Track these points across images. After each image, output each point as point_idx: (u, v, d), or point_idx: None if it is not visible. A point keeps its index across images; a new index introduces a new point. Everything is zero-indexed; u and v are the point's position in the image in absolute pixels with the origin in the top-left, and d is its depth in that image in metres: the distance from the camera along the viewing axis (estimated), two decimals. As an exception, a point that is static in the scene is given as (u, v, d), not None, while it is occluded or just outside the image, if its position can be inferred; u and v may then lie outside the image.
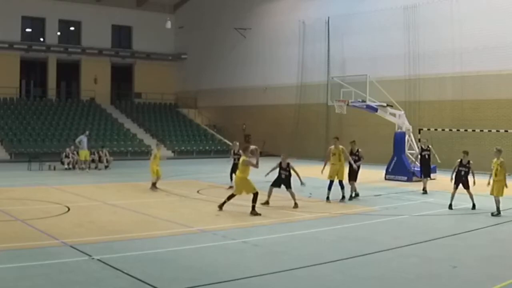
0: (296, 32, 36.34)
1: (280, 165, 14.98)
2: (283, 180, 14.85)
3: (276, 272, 8.24)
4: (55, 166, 25.34)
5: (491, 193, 13.65)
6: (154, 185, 18.21)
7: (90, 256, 8.77)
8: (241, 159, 13.79)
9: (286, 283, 7.84)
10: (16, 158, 31.08)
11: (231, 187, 17.34)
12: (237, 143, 19.57)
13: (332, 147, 16.24)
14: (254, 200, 13.25)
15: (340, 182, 15.94)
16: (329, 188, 15.73)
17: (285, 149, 35.87)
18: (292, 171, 14.81)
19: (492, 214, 13.48)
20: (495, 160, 13.77)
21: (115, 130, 37.86)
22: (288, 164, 14.87)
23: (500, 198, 13.60)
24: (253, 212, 13.17)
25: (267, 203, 14.60)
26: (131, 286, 7.43)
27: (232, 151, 19.23)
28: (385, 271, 8.48)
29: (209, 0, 43.58)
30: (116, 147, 34.27)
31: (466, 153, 15.39)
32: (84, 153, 25.04)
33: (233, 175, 16.73)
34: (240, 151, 15.27)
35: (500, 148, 14.09)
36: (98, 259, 8.57)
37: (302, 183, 14.78)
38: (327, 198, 15.71)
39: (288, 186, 14.80)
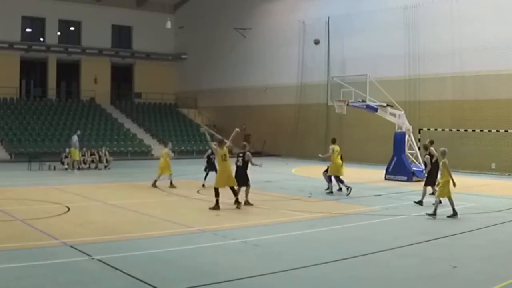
0: (296, 32, 36.33)
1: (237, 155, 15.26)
2: (238, 172, 14.77)
3: (276, 272, 8.24)
4: (55, 166, 25.34)
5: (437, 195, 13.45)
6: (155, 183, 18.72)
7: (90, 256, 8.77)
8: (224, 152, 14.22)
9: (286, 283, 7.84)
10: (16, 158, 31.09)
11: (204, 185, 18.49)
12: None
13: (337, 147, 17.68)
14: (216, 195, 13.94)
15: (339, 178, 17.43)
16: (339, 182, 17.42)
17: (285, 149, 36.31)
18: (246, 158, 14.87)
19: (427, 214, 13.23)
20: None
21: (115, 130, 37.87)
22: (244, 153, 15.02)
23: (453, 198, 13.29)
24: (239, 205, 14.09)
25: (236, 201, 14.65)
26: (131, 286, 7.43)
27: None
28: (385, 271, 8.48)
29: (209, 0, 43.59)
30: (116, 147, 34.28)
31: (424, 148, 16.31)
32: (76, 153, 24.89)
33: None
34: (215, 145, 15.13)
35: (444, 150, 13.89)
36: (98, 259, 8.57)
37: (259, 165, 15.26)
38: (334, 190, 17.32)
39: (246, 184, 14.77)
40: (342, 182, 17.51)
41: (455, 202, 13.20)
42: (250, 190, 14.88)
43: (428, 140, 18.19)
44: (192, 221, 12.21)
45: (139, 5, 44.85)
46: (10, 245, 9.53)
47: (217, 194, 13.89)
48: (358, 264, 8.85)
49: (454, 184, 13.24)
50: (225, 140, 14.98)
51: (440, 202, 13.91)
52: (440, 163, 13.62)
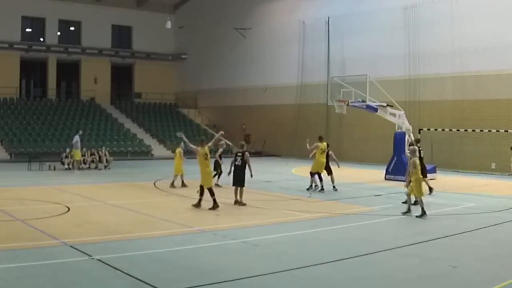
0: (296, 32, 36.34)
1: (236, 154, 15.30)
2: (237, 172, 14.78)
3: (276, 272, 8.24)
4: (55, 166, 25.33)
5: (410, 193, 13.54)
6: (183, 183, 18.75)
7: (90, 256, 8.78)
8: (205, 151, 14.37)
9: (286, 283, 7.84)
10: (16, 158, 31.09)
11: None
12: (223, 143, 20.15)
13: (323, 144, 18.29)
14: (212, 194, 13.94)
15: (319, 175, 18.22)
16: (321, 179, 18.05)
17: (285, 149, 36.31)
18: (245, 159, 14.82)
19: (417, 216, 13.16)
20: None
21: (115, 130, 37.87)
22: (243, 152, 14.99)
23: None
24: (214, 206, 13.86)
25: (236, 202, 14.78)
26: (131, 286, 7.43)
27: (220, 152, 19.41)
28: (385, 271, 8.48)
29: (209, 0, 43.59)
30: (116, 147, 34.28)
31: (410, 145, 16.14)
32: (78, 153, 24.97)
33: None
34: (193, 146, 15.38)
35: (414, 148, 14.05)
36: (98, 259, 8.57)
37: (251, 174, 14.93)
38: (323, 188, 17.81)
39: (241, 184, 14.74)
40: (320, 179, 18.11)
41: (449, 203, 13.21)
42: (250, 190, 14.89)
43: (414, 139, 18.43)
44: (192, 221, 12.21)
45: (139, 5, 44.86)
46: (10, 245, 9.53)
47: (212, 193, 13.94)
48: (358, 264, 8.85)
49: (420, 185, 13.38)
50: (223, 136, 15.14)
51: (413, 201, 13.86)
52: (410, 161, 13.66)
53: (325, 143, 18.50)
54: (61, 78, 43.57)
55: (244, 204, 14.51)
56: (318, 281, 7.84)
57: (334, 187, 18.22)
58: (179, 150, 19.38)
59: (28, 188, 18.25)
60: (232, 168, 15.20)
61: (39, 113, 37.69)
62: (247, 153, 14.91)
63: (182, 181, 18.83)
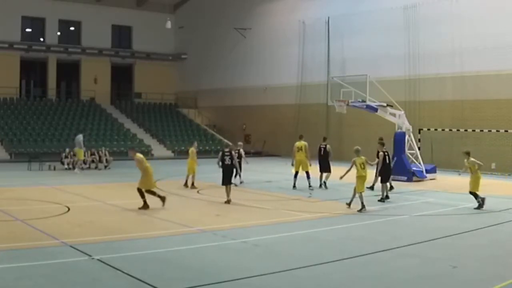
0: (296, 32, 36.33)
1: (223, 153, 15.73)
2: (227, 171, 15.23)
3: (276, 272, 8.24)
4: (55, 166, 25.33)
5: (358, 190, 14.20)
6: (193, 184, 18.50)
7: (90, 256, 8.78)
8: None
9: (286, 283, 7.84)
10: (16, 158, 31.08)
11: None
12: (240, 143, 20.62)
13: (299, 143, 18.89)
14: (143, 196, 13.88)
15: (307, 173, 18.55)
16: (296, 177, 18.65)
17: (285, 149, 36.28)
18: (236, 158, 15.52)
19: (358, 210, 13.92)
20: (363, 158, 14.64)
21: (115, 130, 37.86)
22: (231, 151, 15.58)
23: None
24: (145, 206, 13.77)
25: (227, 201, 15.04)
26: (131, 286, 7.43)
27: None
28: (385, 271, 8.48)
29: (209, 0, 43.59)
30: (116, 147, 34.25)
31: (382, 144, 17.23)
32: (81, 152, 24.98)
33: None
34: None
35: (357, 148, 14.80)
36: (98, 259, 8.57)
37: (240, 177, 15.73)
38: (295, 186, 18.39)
39: (230, 182, 15.25)
40: (308, 177, 18.50)
41: (449, 203, 13.26)
42: (250, 190, 15.00)
43: (379, 138, 18.78)
44: (192, 221, 12.21)
45: (139, 5, 44.85)
46: (10, 245, 9.53)
47: (142, 195, 13.87)
48: (358, 264, 8.85)
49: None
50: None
51: (358, 194, 14.21)
52: (352, 161, 14.43)
53: (302, 142, 18.90)
54: (61, 78, 43.56)
55: (230, 201, 14.83)
56: (318, 281, 7.84)
57: (321, 185, 18.57)
58: (192, 149, 19.28)
59: (28, 188, 18.25)
60: (221, 168, 15.51)
61: (39, 113, 37.68)
62: (233, 153, 15.56)
63: (193, 182, 18.56)
